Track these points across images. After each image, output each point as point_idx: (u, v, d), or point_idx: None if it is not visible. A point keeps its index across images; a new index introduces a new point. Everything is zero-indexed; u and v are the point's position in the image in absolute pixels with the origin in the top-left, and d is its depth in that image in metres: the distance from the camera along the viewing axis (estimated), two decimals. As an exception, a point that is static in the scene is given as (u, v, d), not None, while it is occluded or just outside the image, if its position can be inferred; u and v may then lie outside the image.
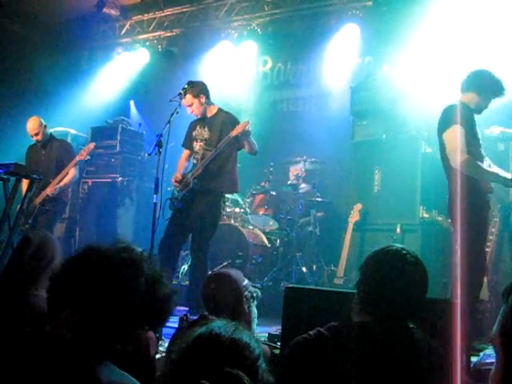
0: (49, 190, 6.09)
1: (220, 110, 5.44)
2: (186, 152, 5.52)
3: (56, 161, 6.32)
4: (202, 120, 5.40)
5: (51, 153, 6.36)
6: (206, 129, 5.34)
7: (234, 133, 5.10)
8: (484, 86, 4.17)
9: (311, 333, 1.96)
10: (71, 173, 6.27)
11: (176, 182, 5.31)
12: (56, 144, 6.46)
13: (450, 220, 4.32)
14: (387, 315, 1.92)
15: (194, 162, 5.38)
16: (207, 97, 5.37)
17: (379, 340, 1.90)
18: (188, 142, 5.50)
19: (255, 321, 2.74)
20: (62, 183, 6.19)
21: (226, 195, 5.89)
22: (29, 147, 6.56)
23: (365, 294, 1.98)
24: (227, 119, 5.33)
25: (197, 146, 5.38)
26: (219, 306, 2.58)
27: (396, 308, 1.92)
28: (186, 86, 5.13)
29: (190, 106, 5.29)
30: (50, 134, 6.54)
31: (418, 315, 1.97)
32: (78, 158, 6.30)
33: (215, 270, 2.80)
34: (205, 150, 5.29)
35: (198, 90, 5.30)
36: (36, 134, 6.31)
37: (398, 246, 2.06)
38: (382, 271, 1.96)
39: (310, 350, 1.91)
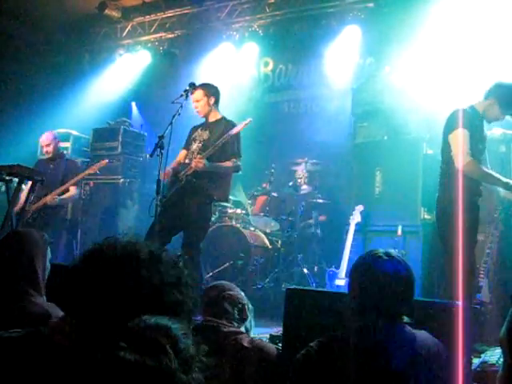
0: (49, 198, 6.13)
1: (224, 118, 5.35)
2: (183, 152, 5.41)
3: (61, 177, 6.36)
4: (204, 124, 5.35)
5: (58, 169, 6.42)
6: (207, 131, 5.27)
7: (235, 131, 5.05)
8: (505, 99, 4.14)
9: (314, 346, 1.99)
10: (72, 191, 6.35)
11: (165, 174, 5.04)
12: (64, 162, 6.53)
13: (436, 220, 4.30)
14: (377, 317, 1.94)
15: (187, 161, 5.24)
16: (216, 101, 5.31)
17: (378, 341, 1.91)
18: (187, 144, 5.42)
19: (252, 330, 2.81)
20: (64, 195, 6.27)
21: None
22: (38, 160, 6.71)
23: (353, 299, 2.04)
24: (230, 127, 5.20)
25: (194, 145, 5.27)
26: (224, 310, 2.64)
27: (383, 309, 1.95)
28: (194, 84, 5.10)
29: (197, 101, 5.19)
30: (62, 151, 6.61)
31: (410, 314, 1.98)
32: (88, 171, 6.40)
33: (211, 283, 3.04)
34: (201, 151, 5.17)
35: (212, 91, 5.27)
36: (47, 145, 6.40)
37: (380, 250, 2.10)
38: (364, 277, 2.04)
39: (318, 364, 1.93)
